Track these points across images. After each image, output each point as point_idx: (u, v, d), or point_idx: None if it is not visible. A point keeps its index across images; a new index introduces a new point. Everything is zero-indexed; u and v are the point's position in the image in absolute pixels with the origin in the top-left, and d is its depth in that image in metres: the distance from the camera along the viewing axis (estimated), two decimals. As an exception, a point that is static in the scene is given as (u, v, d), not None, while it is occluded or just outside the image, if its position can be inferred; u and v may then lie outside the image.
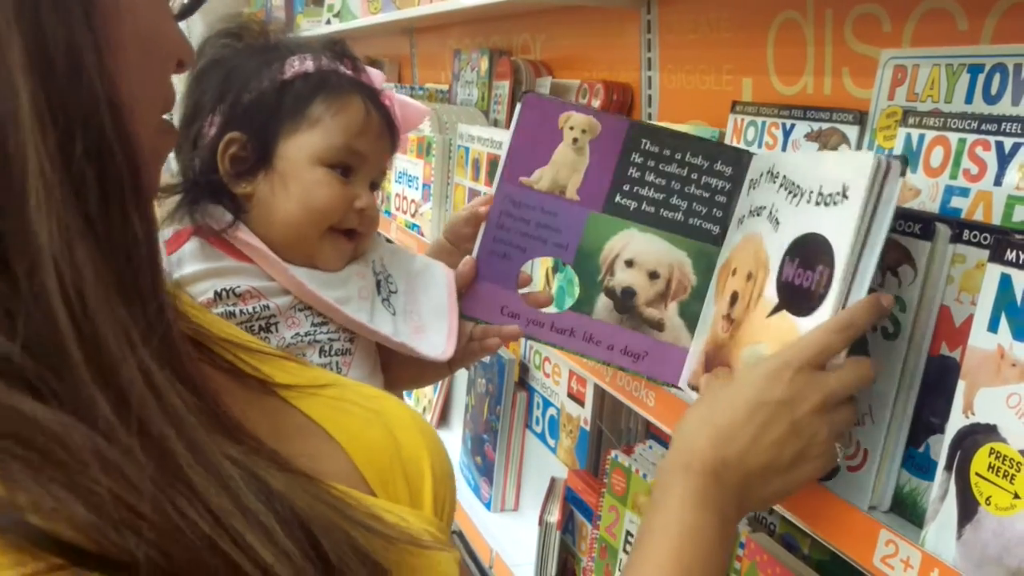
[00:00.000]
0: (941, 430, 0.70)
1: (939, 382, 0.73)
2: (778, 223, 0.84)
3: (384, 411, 0.62)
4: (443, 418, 2.27)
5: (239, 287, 0.89)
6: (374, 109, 0.95)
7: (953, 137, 0.85)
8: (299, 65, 0.92)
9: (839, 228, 0.73)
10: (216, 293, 0.88)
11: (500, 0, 1.55)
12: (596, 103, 1.58)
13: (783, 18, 1.21)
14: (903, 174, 0.71)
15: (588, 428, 1.58)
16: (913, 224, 0.74)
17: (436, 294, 1.01)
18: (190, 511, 0.38)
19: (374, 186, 0.99)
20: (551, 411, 1.73)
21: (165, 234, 0.91)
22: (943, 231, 0.72)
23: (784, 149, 1.14)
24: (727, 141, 1.24)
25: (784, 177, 0.85)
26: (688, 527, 0.66)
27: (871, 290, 0.72)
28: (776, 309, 0.80)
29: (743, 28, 1.30)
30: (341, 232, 0.94)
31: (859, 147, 1.03)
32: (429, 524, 0.57)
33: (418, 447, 0.61)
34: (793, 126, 1.13)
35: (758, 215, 0.90)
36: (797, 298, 0.78)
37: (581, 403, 1.61)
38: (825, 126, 1.08)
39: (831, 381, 0.69)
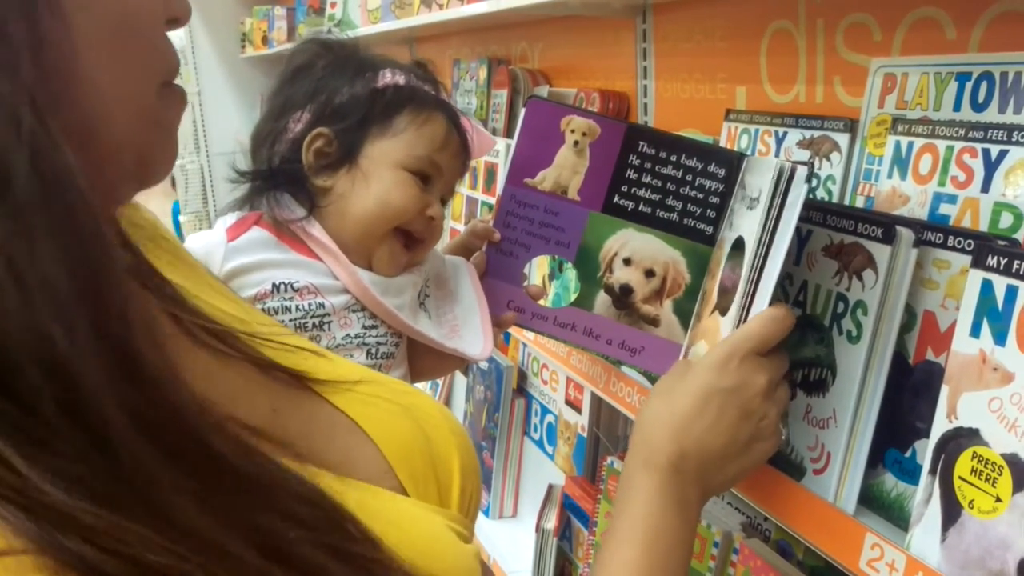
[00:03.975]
0: (927, 434, 0.71)
1: (925, 387, 0.74)
2: (731, 226, 0.87)
3: (415, 407, 0.63)
4: (442, 425, 2.27)
5: (298, 282, 0.91)
6: (455, 129, 1.01)
7: (941, 144, 0.86)
8: (391, 77, 0.98)
9: (752, 231, 0.77)
10: (274, 285, 0.90)
11: (497, 10, 1.56)
12: (592, 111, 1.59)
13: (775, 27, 1.22)
14: (808, 180, 0.74)
15: (585, 435, 1.59)
16: (875, 228, 0.75)
17: (466, 294, 1.05)
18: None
19: (444, 202, 1.03)
20: (549, 418, 1.73)
21: (228, 219, 0.94)
22: (905, 235, 0.73)
23: (777, 155, 1.15)
24: (721, 149, 1.25)
25: (743, 181, 0.88)
26: (653, 525, 0.70)
27: (836, 295, 0.73)
28: (713, 309, 0.84)
29: (736, 37, 1.31)
30: (401, 236, 0.98)
31: (850, 154, 1.04)
32: (455, 521, 0.58)
33: (448, 444, 0.63)
34: (786, 134, 1.14)
35: (729, 218, 0.93)
36: (724, 298, 0.82)
37: (578, 410, 1.61)
38: (817, 134, 1.09)
39: (772, 365, 0.74)
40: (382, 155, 0.96)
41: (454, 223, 1.82)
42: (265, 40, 4.52)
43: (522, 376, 1.83)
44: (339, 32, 2.90)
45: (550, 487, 1.60)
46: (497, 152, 1.59)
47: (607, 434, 1.51)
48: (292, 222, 0.93)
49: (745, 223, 0.81)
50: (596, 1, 1.40)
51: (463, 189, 1.75)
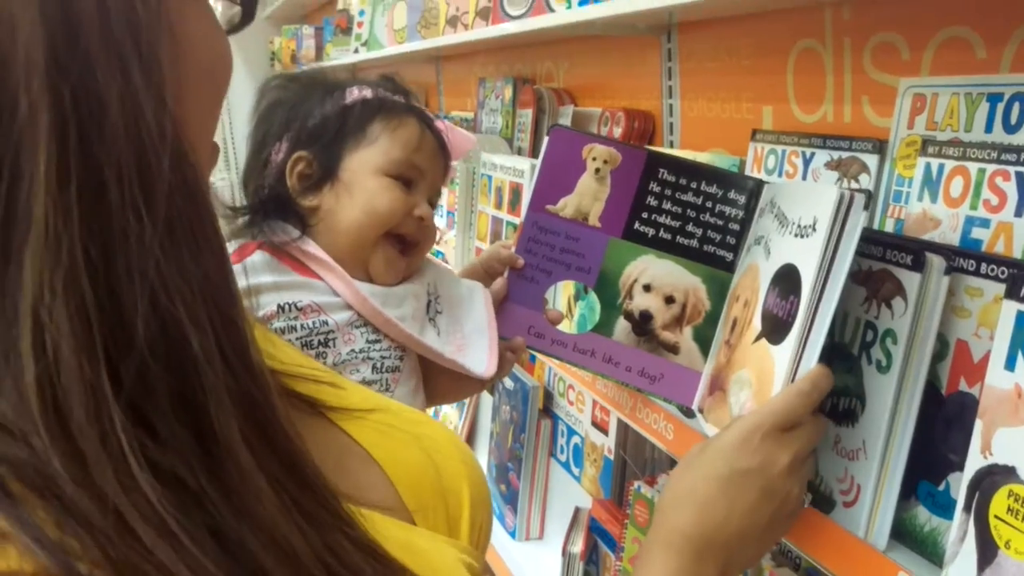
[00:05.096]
0: (960, 467, 0.69)
1: (958, 419, 0.72)
2: (769, 253, 0.85)
3: (426, 436, 0.64)
4: (468, 444, 2.26)
5: (301, 301, 0.93)
6: (428, 129, 1.03)
7: (972, 167, 0.84)
8: (358, 93, 1.01)
9: (807, 260, 0.75)
10: (279, 306, 0.92)
11: (522, 31, 1.56)
12: (618, 131, 1.58)
13: (802, 46, 1.20)
14: (866, 207, 0.72)
15: (612, 457, 1.57)
16: (904, 255, 0.73)
17: (477, 315, 1.05)
18: None
19: (431, 204, 1.04)
20: (575, 439, 1.72)
21: (231, 246, 0.96)
22: (936, 262, 0.71)
23: (804, 177, 1.13)
24: (748, 169, 1.24)
25: (778, 207, 0.87)
26: None
27: (865, 323, 0.72)
28: (758, 337, 0.82)
29: (762, 56, 1.29)
30: (395, 241, 0.99)
31: (879, 176, 1.02)
32: (465, 553, 0.58)
33: (458, 475, 0.63)
34: (813, 155, 1.12)
35: (758, 244, 0.91)
36: (774, 327, 0.79)
37: (605, 432, 1.60)
38: (845, 155, 1.07)
39: (797, 441, 0.73)
40: (361, 165, 0.98)
41: (479, 242, 1.82)
42: (294, 59, 4.57)
43: (548, 396, 1.82)
44: (364, 50, 2.92)
45: (577, 510, 1.58)
46: (522, 173, 1.59)
47: (634, 458, 1.49)
48: (288, 244, 0.95)
49: (793, 251, 0.78)
50: (621, 22, 1.39)
51: (488, 208, 1.75)
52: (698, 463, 0.74)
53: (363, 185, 0.97)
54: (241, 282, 0.93)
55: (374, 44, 2.88)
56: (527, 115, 1.92)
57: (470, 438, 2.26)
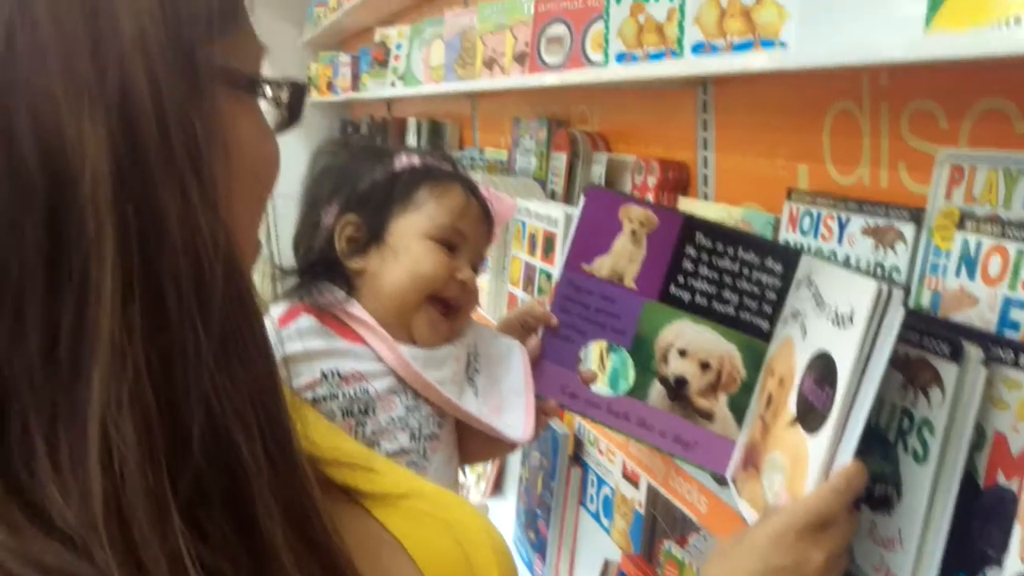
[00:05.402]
0: (998, 562, 0.68)
1: (996, 512, 0.71)
2: (806, 333, 0.85)
3: (457, 523, 0.64)
4: (497, 487, 2.26)
5: (344, 369, 0.95)
6: (473, 197, 1.06)
7: (1012, 247, 0.83)
8: (407, 160, 1.05)
9: (843, 352, 0.75)
10: (322, 373, 0.94)
11: (557, 84, 1.57)
12: (652, 180, 1.58)
13: (839, 108, 1.20)
14: (905, 303, 0.72)
15: (643, 512, 1.56)
16: (942, 344, 0.72)
17: (515, 375, 1.06)
18: None
19: (474, 269, 1.06)
20: (605, 490, 1.71)
21: (278, 309, 0.99)
22: (973, 355, 0.71)
23: (840, 242, 1.12)
24: (783, 228, 1.23)
25: (816, 287, 0.86)
26: None
27: (902, 410, 0.71)
28: (793, 421, 0.81)
29: (798, 114, 1.29)
30: (438, 304, 1.01)
31: (916, 246, 1.01)
32: None
33: (488, 563, 0.63)
34: (849, 219, 1.11)
35: (794, 319, 0.91)
36: (809, 414, 0.79)
37: (636, 485, 1.59)
38: (881, 222, 1.06)
39: (831, 540, 0.72)
40: (407, 229, 1.01)
41: (512, 287, 1.82)
42: (330, 86, 4.62)
43: (578, 444, 1.81)
44: (401, 84, 2.95)
45: (606, 563, 1.57)
46: (556, 222, 1.59)
47: (665, 515, 1.48)
48: (334, 306, 0.98)
49: (830, 339, 0.78)
50: (658, 79, 1.39)
51: (522, 254, 1.76)
52: (733, 555, 0.73)
53: (409, 249, 1.00)
54: (291, 347, 0.95)
55: (411, 79, 2.90)
56: (561, 159, 1.92)
57: (499, 480, 2.26)
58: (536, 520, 1.85)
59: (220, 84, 0.46)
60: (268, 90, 0.51)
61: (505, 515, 2.05)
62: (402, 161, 1.04)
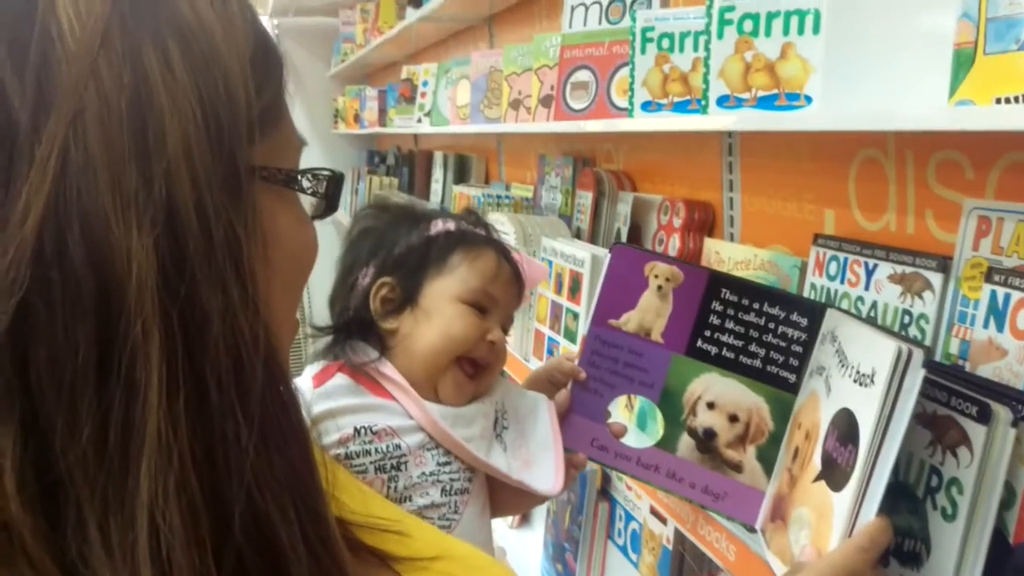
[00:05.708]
0: (1030, 620, 0.68)
1: (1027, 571, 0.71)
2: (830, 389, 0.86)
3: None
4: (524, 519, 2.27)
5: (376, 425, 0.97)
6: (505, 261, 1.08)
7: (1040, 301, 0.84)
8: (442, 225, 1.07)
9: (865, 411, 0.76)
10: (355, 429, 0.96)
11: (581, 132, 1.60)
12: (678, 221, 1.60)
13: (864, 155, 1.21)
14: (925, 365, 0.73)
15: (671, 548, 1.56)
16: (970, 405, 0.74)
17: (542, 429, 1.09)
18: None
19: (504, 330, 1.09)
20: (633, 525, 1.72)
21: (314, 368, 1.02)
22: (1002, 415, 0.72)
23: (867, 288, 1.14)
24: (809, 273, 1.24)
25: (839, 344, 0.87)
26: None
27: (930, 467, 0.72)
28: (818, 477, 0.83)
29: (824, 160, 1.30)
30: (466, 365, 1.04)
31: (943, 295, 1.02)
32: None
33: None
34: (876, 266, 1.12)
35: (820, 374, 0.92)
36: (833, 471, 0.80)
37: (664, 521, 1.60)
38: (908, 270, 1.07)
39: None
40: (440, 292, 1.04)
41: (538, 324, 1.84)
42: (357, 119, 4.68)
43: (606, 479, 1.82)
44: (428, 121, 2.99)
45: (634, 600, 1.58)
46: (582, 263, 1.61)
47: (692, 552, 1.49)
48: (367, 364, 1.01)
49: (852, 397, 0.79)
50: (684, 131, 1.41)
51: (548, 292, 1.78)
52: None
53: (441, 311, 1.02)
54: (326, 404, 0.98)
55: (438, 117, 2.95)
56: (587, 197, 1.95)
57: (526, 514, 2.27)
58: (564, 553, 1.86)
59: (260, 182, 0.48)
60: (306, 184, 0.53)
61: (533, 547, 2.06)
62: (438, 226, 1.07)
